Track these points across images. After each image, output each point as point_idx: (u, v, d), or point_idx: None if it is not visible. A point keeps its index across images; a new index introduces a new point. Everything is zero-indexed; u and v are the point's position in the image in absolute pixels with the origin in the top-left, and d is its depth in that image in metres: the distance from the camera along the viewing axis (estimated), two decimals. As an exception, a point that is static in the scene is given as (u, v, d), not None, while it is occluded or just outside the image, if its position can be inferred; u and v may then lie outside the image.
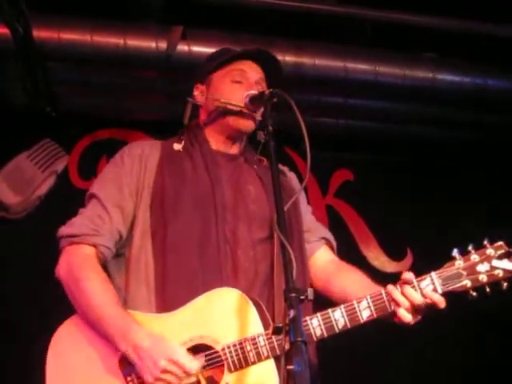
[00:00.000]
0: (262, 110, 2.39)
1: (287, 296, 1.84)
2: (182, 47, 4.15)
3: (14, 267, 4.37)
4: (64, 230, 2.46)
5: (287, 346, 1.79)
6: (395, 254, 5.11)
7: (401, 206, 5.10)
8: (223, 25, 4.26)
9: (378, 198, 5.07)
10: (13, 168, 4.61)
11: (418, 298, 2.19)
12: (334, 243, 2.76)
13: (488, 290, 2.17)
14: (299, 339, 1.76)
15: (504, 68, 4.64)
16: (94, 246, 2.40)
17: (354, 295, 2.32)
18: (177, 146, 2.58)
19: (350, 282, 2.55)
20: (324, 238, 2.73)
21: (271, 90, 2.29)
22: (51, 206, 4.57)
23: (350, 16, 4.31)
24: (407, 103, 4.71)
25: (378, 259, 5.09)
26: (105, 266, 2.43)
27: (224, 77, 2.60)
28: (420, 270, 5.04)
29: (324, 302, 2.50)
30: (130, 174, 2.50)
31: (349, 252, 4.93)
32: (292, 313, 1.80)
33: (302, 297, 1.85)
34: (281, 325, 1.85)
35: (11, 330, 4.20)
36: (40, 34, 3.94)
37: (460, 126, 4.96)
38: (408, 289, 2.20)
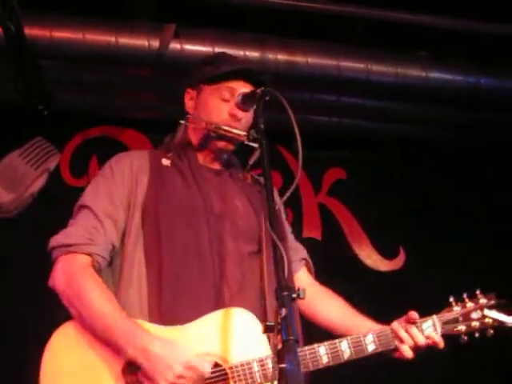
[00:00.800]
0: (253, 109, 2.40)
1: (279, 294, 1.83)
2: (175, 45, 4.15)
3: (6, 266, 4.36)
4: (57, 240, 2.42)
5: (279, 345, 1.78)
6: (388, 253, 5.12)
7: (393, 205, 5.10)
8: (216, 23, 4.25)
9: (371, 197, 5.08)
10: (5, 166, 4.60)
11: (421, 339, 2.38)
12: (311, 264, 2.80)
13: (477, 335, 2.41)
14: (291, 338, 1.75)
15: (497, 67, 4.65)
16: (90, 255, 2.38)
17: (343, 330, 2.49)
18: (165, 162, 2.57)
19: (337, 315, 2.62)
20: (304, 259, 2.77)
21: (263, 88, 2.29)
22: (43, 203, 4.57)
23: (343, 14, 4.31)
24: (400, 102, 4.71)
25: (371, 258, 5.09)
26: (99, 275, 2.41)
27: (213, 92, 2.60)
28: (413, 269, 5.04)
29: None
30: (122, 185, 2.49)
31: (341, 250, 5.02)
32: (284, 311, 1.79)
33: (294, 295, 1.84)
34: (272, 323, 1.84)
35: (3, 329, 4.19)
36: (32, 32, 3.92)
37: (453, 124, 4.97)
38: (413, 329, 2.38)
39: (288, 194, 2.35)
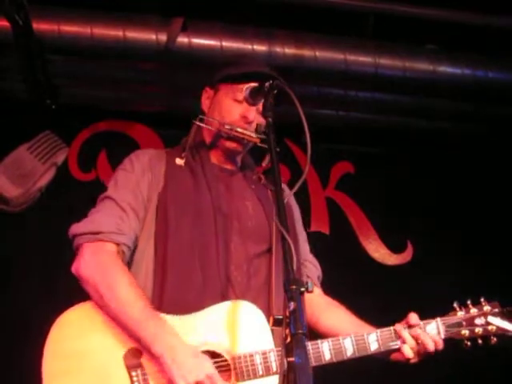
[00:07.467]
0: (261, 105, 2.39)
1: (287, 288, 1.83)
2: (182, 39, 4.15)
3: (14, 260, 4.36)
4: (81, 227, 2.43)
5: (288, 339, 1.78)
6: (395, 247, 5.11)
7: (401, 199, 5.10)
8: (224, 17, 4.25)
9: (379, 191, 5.07)
10: (13, 160, 4.61)
11: (427, 341, 2.39)
12: (320, 275, 2.80)
13: (480, 341, 2.43)
14: (300, 331, 1.75)
15: (505, 60, 4.63)
16: (118, 244, 2.40)
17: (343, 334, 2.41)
18: (179, 161, 2.59)
19: (340, 320, 2.63)
20: (309, 278, 2.73)
21: (271, 81, 2.28)
22: (51, 198, 4.58)
23: (351, 8, 4.30)
24: (408, 95, 4.70)
25: (379, 251, 5.09)
26: None
27: (228, 92, 2.63)
28: (420, 263, 5.03)
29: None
30: (142, 180, 2.52)
31: (349, 244, 5.02)
32: (292, 305, 1.79)
33: (302, 289, 1.84)
34: (281, 316, 1.84)
35: (6, 323, 4.20)
36: (40, 26, 3.93)
37: (461, 118, 4.95)
38: (417, 330, 2.41)
39: (296, 187, 2.35)
